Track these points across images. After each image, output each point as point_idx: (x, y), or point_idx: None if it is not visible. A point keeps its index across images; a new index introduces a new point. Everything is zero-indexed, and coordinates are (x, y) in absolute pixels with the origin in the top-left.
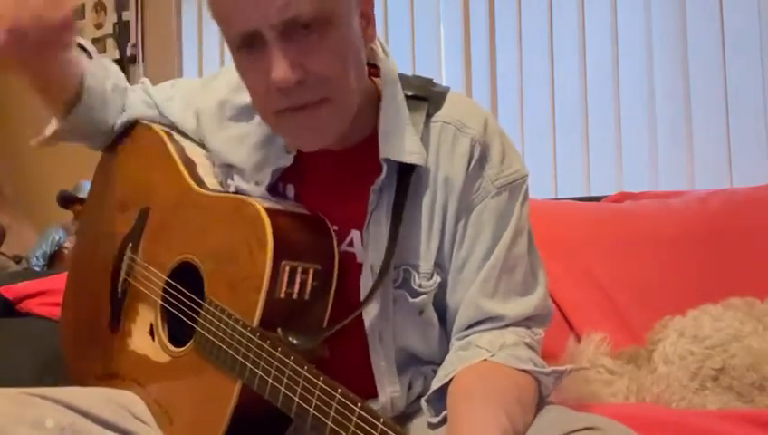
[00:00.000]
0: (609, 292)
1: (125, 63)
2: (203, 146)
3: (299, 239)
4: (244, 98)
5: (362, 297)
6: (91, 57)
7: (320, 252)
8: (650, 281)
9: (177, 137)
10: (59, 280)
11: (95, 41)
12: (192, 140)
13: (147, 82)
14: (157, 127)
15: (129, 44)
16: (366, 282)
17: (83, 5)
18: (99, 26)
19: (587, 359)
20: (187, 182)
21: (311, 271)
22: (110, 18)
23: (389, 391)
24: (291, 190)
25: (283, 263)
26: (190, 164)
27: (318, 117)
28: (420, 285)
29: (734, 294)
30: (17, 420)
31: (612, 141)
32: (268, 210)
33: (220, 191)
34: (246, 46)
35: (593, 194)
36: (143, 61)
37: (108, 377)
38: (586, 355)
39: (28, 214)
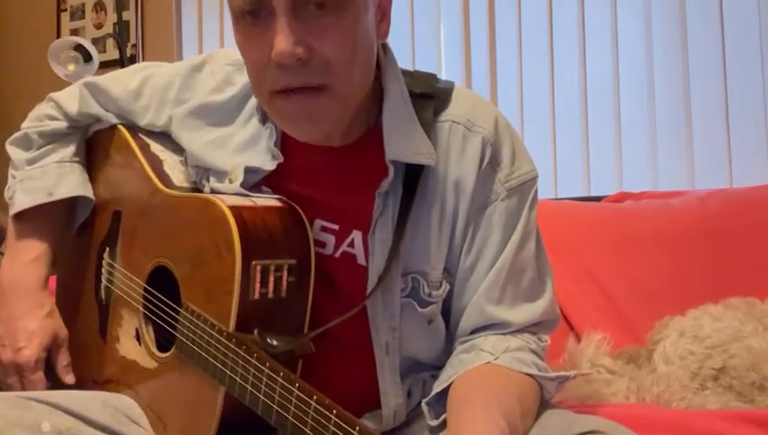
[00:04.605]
0: (609, 292)
1: (125, 63)
2: (169, 138)
3: (269, 235)
4: (226, 94)
5: (370, 306)
6: (92, 58)
7: (293, 245)
8: (650, 281)
9: (141, 133)
10: None
11: (95, 41)
12: (157, 134)
13: (95, 82)
14: (120, 126)
15: (129, 44)
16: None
17: (83, 5)
18: (99, 26)
19: (587, 359)
20: (154, 183)
21: (285, 267)
22: (110, 18)
23: (393, 403)
24: (268, 191)
25: (254, 263)
26: (156, 162)
27: (314, 105)
28: (430, 295)
29: (735, 294)
30: (14, 423)
31: (612, 141)
32: (233, 208)
33: (187, 190)
34: (252, 15)
35: (593, 194)
36: (143, 61)
37: (103, 383)
38: (586, 355)
39: None
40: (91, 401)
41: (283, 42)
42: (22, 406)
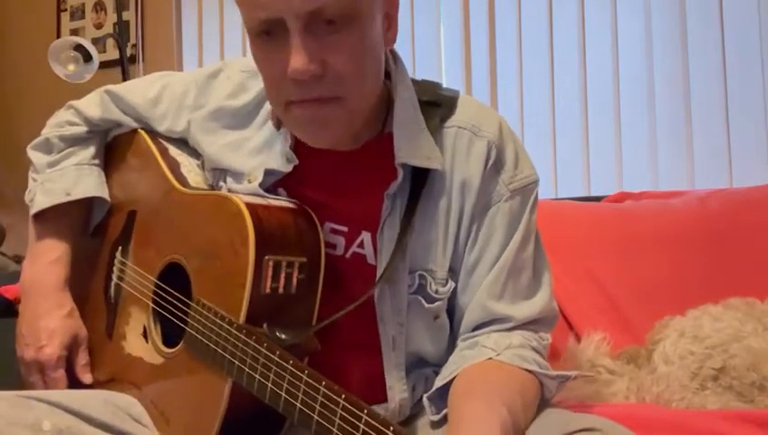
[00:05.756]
0: (609, 292)
1: (125, 63)
2: (186, 143)
3: (282, 233)
4: (242, 100)
5: (377, 301)
6: (92, 58)
7: (305, 244)
8: (650, 281)
9: (161, 138)
10: None
11: (95, 41)
12: (175, 139)
13: (115, 90)
14: (141, 130)
15: (129, 44)
16: (381, 287)
17: (83, 5)
18: (99, 26)
19: (587, 359)
20: (171, 183)
21: (296, 264)
22: (110, 18)
23: (399, 398)
24: (283, 193)
25: (267, 257)
26: (174, 164)
27: (327, 113)
28: (437, 291)
29: (734, 294)
30: (14, 422)
31: (612, 141)
32: (249, 205)
33: (203, 189)
34: (266, 33)
35: (593, 194)
36: (143, 61)
37: (107, 381)
38: (586, 355)
39: (28, 214)
40: (92, 400)
41: (298, 60)
42: (22, 405)
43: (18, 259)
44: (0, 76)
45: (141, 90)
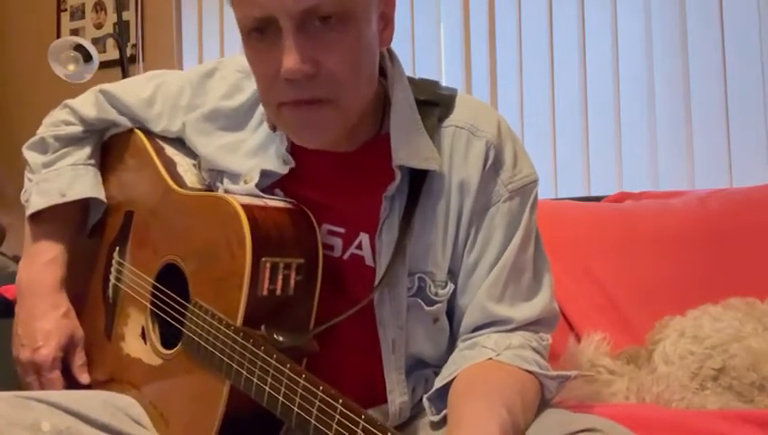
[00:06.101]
0: (609, 292)
1: (125, 63)
2: (183, 143)
3: (279, 234)
4: (237, 101)
5: (377, 304)
6: (92, 58)
7: (302, 246)
8: (650, 281)
9: (157, 137)
10: None
11: (95, 41)
12: (171, 139)
13: (110, 90)
14: (137, 130)
15: (129, 44)
16: (381, 290)
17: (83, 5)
18: (99, 26)
19: (587, 359)
20: (168, 183)
21: (293, 266)
22: (110, 18)
23: (399, 401)
24: (280, 194)
25: (264, 259)
26: (170, 164)
27: (320, 115)
28: (436, 294)
29: (735, 294)
30: (14, 423)
31: (612, 141)
32: (245, 206)
33: (200, 190)
34: (259, 32)
35: (593, 194)
36: (143, 61)
37: (106, 382)
38: (586, 355)
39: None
40: (91, 401)
41: (290, 59)
42: (22, 405)
43: (18, 259)
44: (0, 76)
45: (135, 89)
